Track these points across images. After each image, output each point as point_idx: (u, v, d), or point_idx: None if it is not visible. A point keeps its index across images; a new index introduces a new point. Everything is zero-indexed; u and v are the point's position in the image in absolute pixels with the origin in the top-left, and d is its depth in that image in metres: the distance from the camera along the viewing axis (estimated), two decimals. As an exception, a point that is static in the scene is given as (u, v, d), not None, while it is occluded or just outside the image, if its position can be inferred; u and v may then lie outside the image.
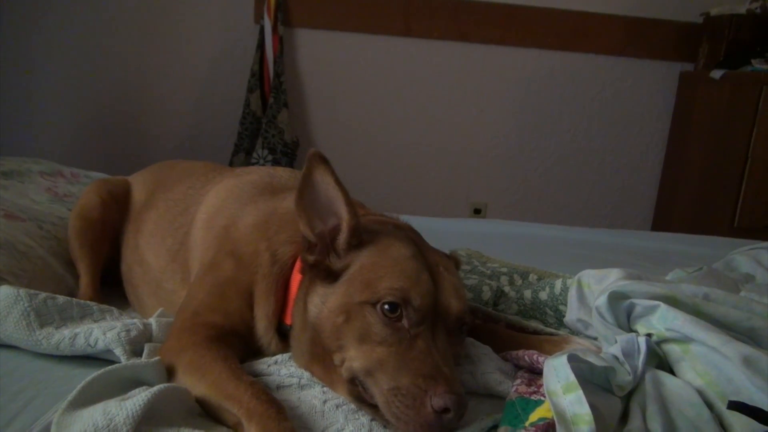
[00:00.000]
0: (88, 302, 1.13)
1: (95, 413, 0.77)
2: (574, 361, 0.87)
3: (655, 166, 3.78)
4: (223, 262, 1.10)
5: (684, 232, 2.58)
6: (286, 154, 3.33)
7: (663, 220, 3.71)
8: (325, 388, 0.95)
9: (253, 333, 1.06)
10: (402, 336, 0.90)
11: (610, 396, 0.88)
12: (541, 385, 0.92)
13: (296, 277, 1.04)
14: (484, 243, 1.86)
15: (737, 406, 0.82)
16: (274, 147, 3.30)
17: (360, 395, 0.90)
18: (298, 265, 1.05)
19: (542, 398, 0.90)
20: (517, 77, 3.62)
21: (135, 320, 1.09)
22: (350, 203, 0.97)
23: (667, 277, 1.34)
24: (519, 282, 1.49)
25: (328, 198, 0.98)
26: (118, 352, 1.00)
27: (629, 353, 0.95)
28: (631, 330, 1.05)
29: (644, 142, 3.75)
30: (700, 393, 0.89)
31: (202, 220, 1.25)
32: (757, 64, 3.18)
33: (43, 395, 0.93)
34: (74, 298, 1.12)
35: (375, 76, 3.56)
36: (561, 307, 1.31)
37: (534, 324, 1.24)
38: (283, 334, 1.06)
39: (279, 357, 1.03)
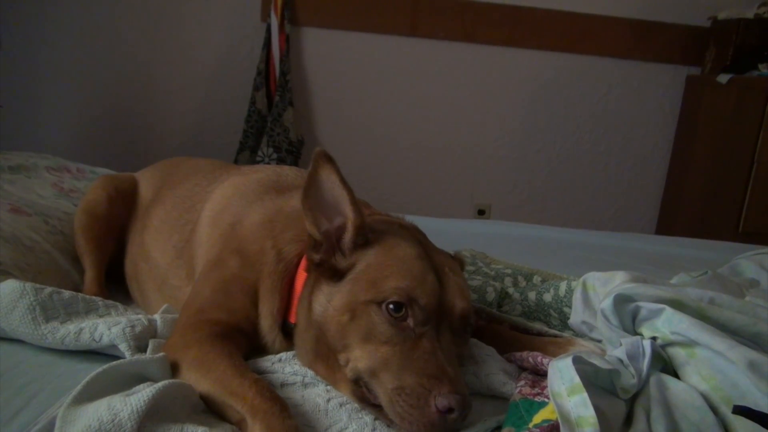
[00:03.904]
0: (94, 297, 1.14)
1: (100, 408, 0.77)
2: (578, 363, 0.87)
3: (661, 170, 3.77)
4: (228, 260, 1.10)
5: (688, 236, 2.57)
6: (291, 153, 3.33)
7: (667, 224, 3.70)
8: (328, 387, 0.95)
9: (257, 330, 1.06)
10: (407, 335, 0.90)
11: (614, 399, 0.88)
12: (545, 387, 0.92)
13: (301, 276, 1.04)
14: (488, 244, 1.86)
15: (742, 411, 0.82)
16: (279, 145, 3.30)
17: (363, 395, 0.90)
18: (303, 263, 1.05)
19: (546, 400, 0.90)
20: (522, 78, 3.62)
21: (140, 316, 1.09)
22: (355, 202, 0.98)
23: (672, 281, 1.34)
24: (523, 283, 1.49)
25: (334, 197, 0.98)
26: (123, 347, 1.01)
27: (634, 356, 0.95)
28: (636, 333, 1.04)
29: (650, 145, 3.74)
30: (705, 397, 0.89)
31: (208, 217, 1.25)
32: (764, 69, 3.17)
33: (47, 389, 0.94)
34: (80, 293, 1.13)
35: (381, 75, 3.56)
36: (565, 309, 1.31)
37: (538, 326, 1.24)
38: (287, 333, 1.06)
39: (283, 355, 1.03)
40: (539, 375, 1.01)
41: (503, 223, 2.45)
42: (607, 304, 1.06)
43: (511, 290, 1.41)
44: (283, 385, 0.95)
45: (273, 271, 1.06)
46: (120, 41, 3.39)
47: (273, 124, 3.29)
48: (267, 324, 1.06)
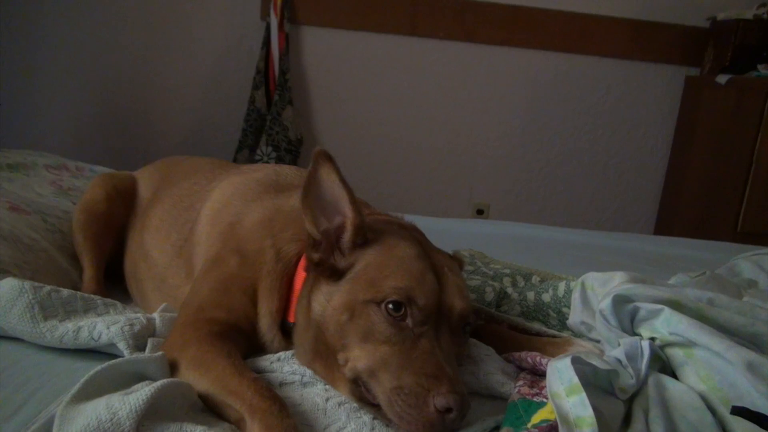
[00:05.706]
0: (92, 296, 1.14)
1: (98, 407, 0.77)
2: (577, 363, 0.87)
3: (659, 170, 3.78)
4: (227, 259, 1.10)
5: (687, 237, 2.57)
6: (290, 152, 3.33)
7: (666, 224, 3.70)
8: (327, 386, 0.95)
9: (256, 330, 1.06)
10: (406, 335, 0.90)
11: (612, 399, 0.88)
12: (544, 387, 0.92)
13: (300, 275, 1.05)
14: (487, 244, 1.86)
15: (740, 412, 0.82)
16: (278, 144, 3.30)
17: (362, 395, 0.90)
18: (302, 262, 1.05)
19: (545, 400, 0.90)
20: (522, 78, 3.62)
21: (139, 315, 1.09)
22: (355, 202, 0.98)
23: (670, 282, 1.34)
24: (522, 283, 1.49)
25: (333, 196, 0.98)
26: (122, 346, 1.00)
27: (632, 356, 0.95)
28: (634, 333, 1.05)
29: (648, 146, 3.75)
30: (703, 397, 0.89)
31: (207, 216, 1.25)
32: (763, 70, 3.17)
33: (46, 388, 0.94)
34: (78, 292, 1.12)
35: (380, 74, 3.56)
36: (564, 309, 1.31)
37: (537, 326, 1.24)
38: (286, 332, 1.06)
39: (282, 354, 1.03)
40: (538, 375, 1.01)
41: (502, 223, 2.45)
42: (605, 304, 1.06)
43: (509, 290, 1.41)
44: (281, 384, 0.95)
45: (272, 270, 1.06)
46: (119, 40, 3.39)
47: (272, 123, 3.29)
48: (266, 323, 1.06)
